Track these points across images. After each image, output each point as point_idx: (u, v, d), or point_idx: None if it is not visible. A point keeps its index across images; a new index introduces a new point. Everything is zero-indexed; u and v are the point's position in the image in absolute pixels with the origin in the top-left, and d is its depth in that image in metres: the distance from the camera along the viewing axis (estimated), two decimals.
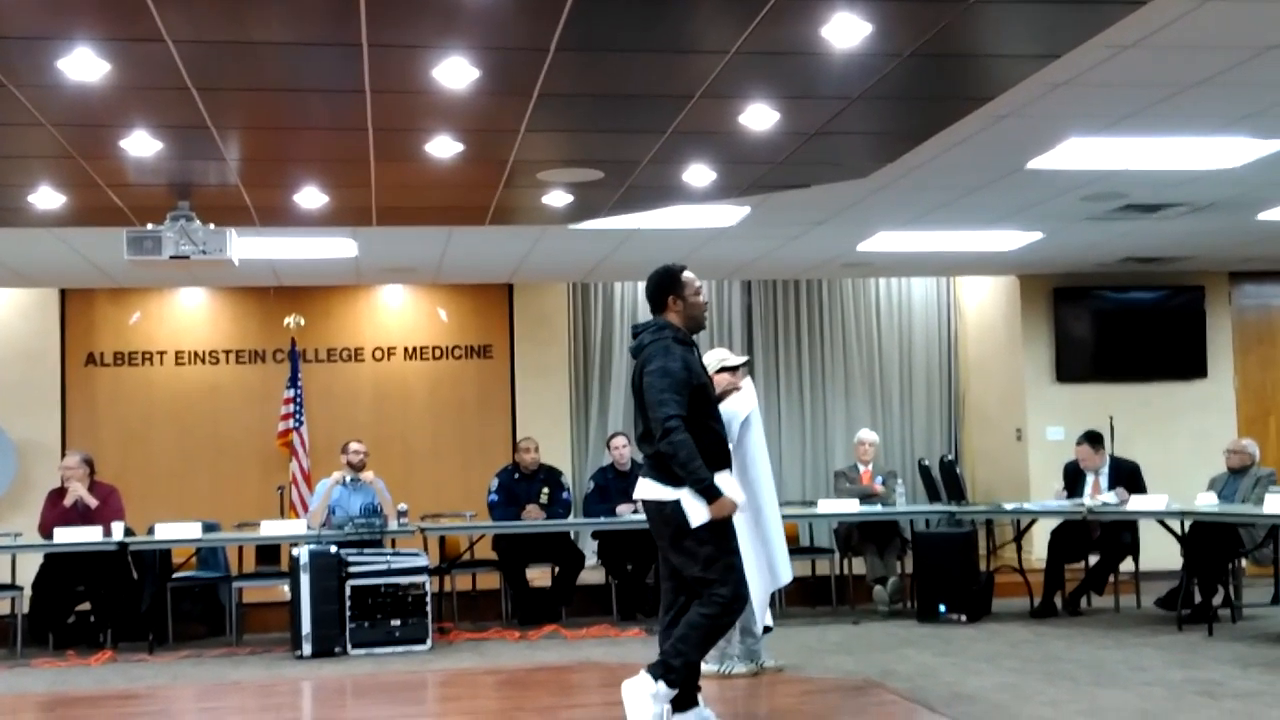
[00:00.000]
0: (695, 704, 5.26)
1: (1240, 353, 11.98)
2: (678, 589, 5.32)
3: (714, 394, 5.46)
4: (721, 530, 5.13)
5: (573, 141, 6.93)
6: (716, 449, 5.22)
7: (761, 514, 6.66)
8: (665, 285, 5.34)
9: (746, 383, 5.72)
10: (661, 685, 5.06)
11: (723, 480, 5.15)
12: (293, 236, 9.07)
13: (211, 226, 7.36)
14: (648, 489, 5.23)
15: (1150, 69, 5.83)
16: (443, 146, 6.72)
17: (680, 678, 5.12)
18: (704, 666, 6.93)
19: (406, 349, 11.87)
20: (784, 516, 10.33)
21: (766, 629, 6.93)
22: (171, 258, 7.31)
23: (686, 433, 5.03)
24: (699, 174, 7.42)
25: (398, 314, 11.91)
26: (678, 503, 5.10)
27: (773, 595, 7.56)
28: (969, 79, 5.96)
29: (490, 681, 7.42)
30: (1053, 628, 8.78)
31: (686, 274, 5.37)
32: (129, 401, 11.52)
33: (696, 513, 5.08)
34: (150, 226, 7.36)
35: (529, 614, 9.41)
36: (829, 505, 9.79)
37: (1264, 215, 9.20)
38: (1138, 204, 8.72)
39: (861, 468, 10.23)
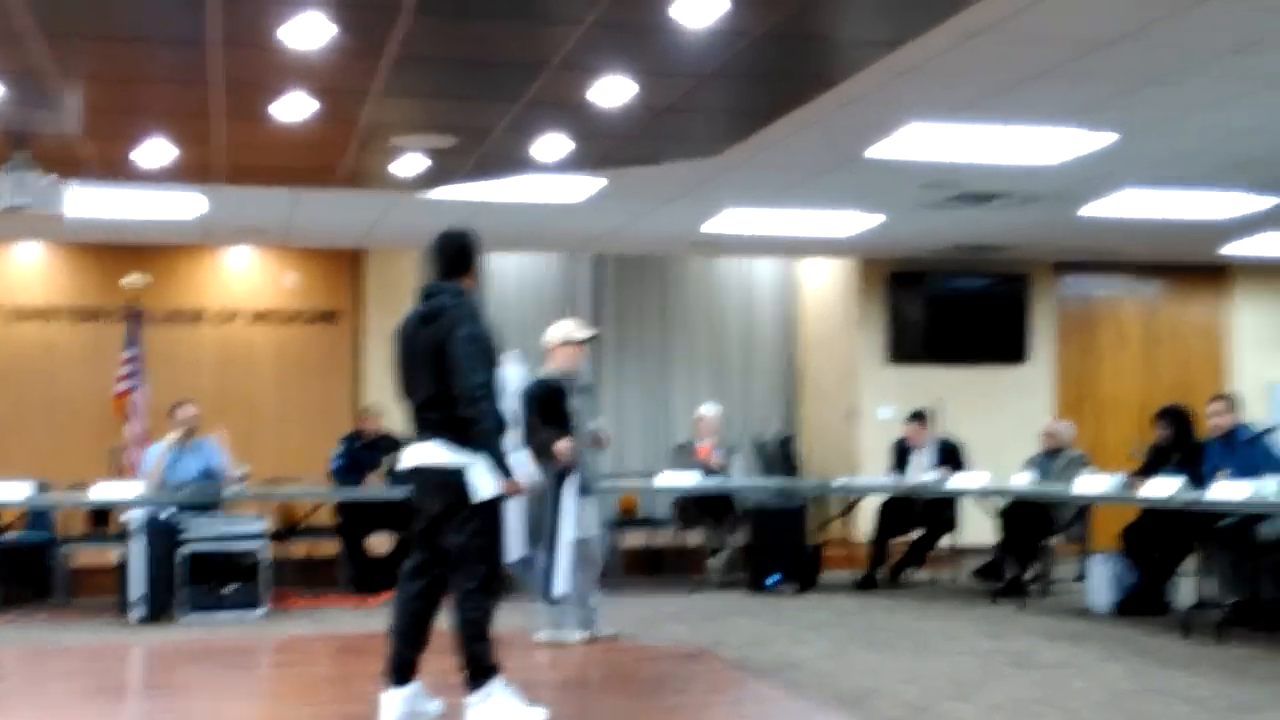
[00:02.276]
0: (409, 681, 5.10)
1: (1061, 340, 12.53)
2: (431, 562, 5.13)
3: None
4: (496, 509, 5.04)
5: (427, 106, 6.91)
6: (498, 425, 5.08)
7: None
8: (471, 249, 5.20)
9: (513, 355, 5.59)
10: (487, 686, 4.98)
11: (519, 459, 5.07)
12: (138, 191, 8.81)
13: (50, 178, 7.14)
14: (431, 454, 5.02)
15: (990, 59, 6.06)
16: (293, 104, 6.62)
17: (490, 664, 5.01)
18: (539, 634, 7.08)
19: (251, 312, 11.65)
20: (624, 488, 10.59)
21: (558, 598, 6.87)
22: (6, 209, 7.08)
23: (493, 402, 4.95)
24: (553, 145, 7.46)
25: (243, 276, 11.67)
26: (463, 469, 4.95)
27: (605, 567, 7.69)
28: (818, 62, 6.13)
29: (325, 648, 7.39)
30: (876, 599, 9.12)
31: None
32: None
33: (486, 485, 4.95)
34: None
35: (368, 581, 9.38)
36: (668, 478, 9.96)
37: (1085, 210, 9.63)
38: (970, 194, 9.06)
39: (701, 442, 10.43)
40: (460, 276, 5.18)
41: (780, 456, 10.24)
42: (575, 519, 6.91)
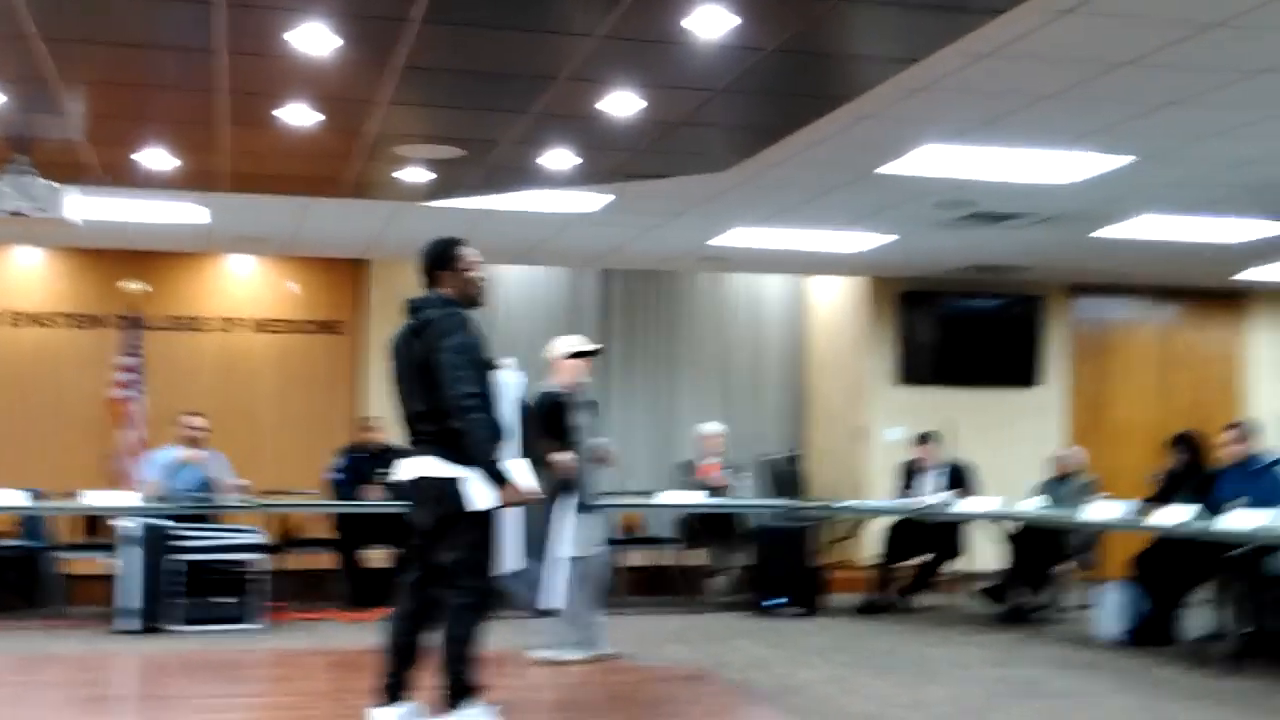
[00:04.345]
0: (401, 699, 5.06)
1: (1075, 363, 12.42)
2: (425, 579, 5.09)
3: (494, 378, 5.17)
4: (490, 523, 4.97)
5: (434, 117, 6.84)
6: (492, 434, 5.02)
7: None
8: (440, 256, 5.14)
9: (511, 363, 5.50)
10: (465, 707, 4.94)
11: (516, 466, 4.97)
12: (142, 199, 8.76)
13: (51, 183, 7.07)
14: (427, 467, 4.97)
15: (1004, 79, 5.98)
16: (300, 114, 6.55)
17: (472, 685, 4.97)
18: (539, 652, 6.98)
19: (253, 320, 11.59)
20: (628, 506, 10.49)
21: (547, 612, 6.77)
22: (6, 213, 7.01)
23: (484, 412, 4.89)
24: (561, 158, 7.38)
25: (245, 284, 11.62)
26: (459, 482, 4.89)
27: (607, 585, 7.59)
28: (830, 78, 6.05)
29: (319, 662, 7.31)
30: (882, 623, 8.99)
31: (466, 248, 5.19)
32: None
33: (483, 496, 4.90)
34: None
35: (364, 595, 9.27)
36: (672, 496, 9.85)
37: (1100, 233, 9.53)
38: (985, 213, 8.96)
39: (706, 460, 10.33)
40: (441, 279, 5.13)
41: (786, 476, 10.14)
42: (574, 535, 6.83)
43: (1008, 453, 11.39)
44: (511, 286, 12.16)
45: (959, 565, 9.84)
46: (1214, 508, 7.61)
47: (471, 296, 5.19)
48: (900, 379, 11.96)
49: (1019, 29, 5.27)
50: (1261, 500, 7.33)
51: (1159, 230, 9.42)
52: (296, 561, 9.66)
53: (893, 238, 9.93)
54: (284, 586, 9.28)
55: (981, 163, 7.49)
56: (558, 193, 8.45)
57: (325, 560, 9.72)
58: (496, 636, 5.21)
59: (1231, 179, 7.94)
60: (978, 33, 5.26)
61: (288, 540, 9.57)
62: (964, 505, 9.30)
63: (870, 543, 10.47)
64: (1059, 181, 7.91)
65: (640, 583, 10.31)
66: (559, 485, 6.80)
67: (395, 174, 7.90)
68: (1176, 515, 7.50)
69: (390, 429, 9.92)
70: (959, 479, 9.75)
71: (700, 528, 10.03)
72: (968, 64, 5.72)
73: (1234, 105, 6.38)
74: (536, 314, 12.12)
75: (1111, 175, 7.70)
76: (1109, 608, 8.25)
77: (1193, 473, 8.27)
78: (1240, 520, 7.08)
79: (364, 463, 9.58)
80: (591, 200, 8.72)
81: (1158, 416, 12.09)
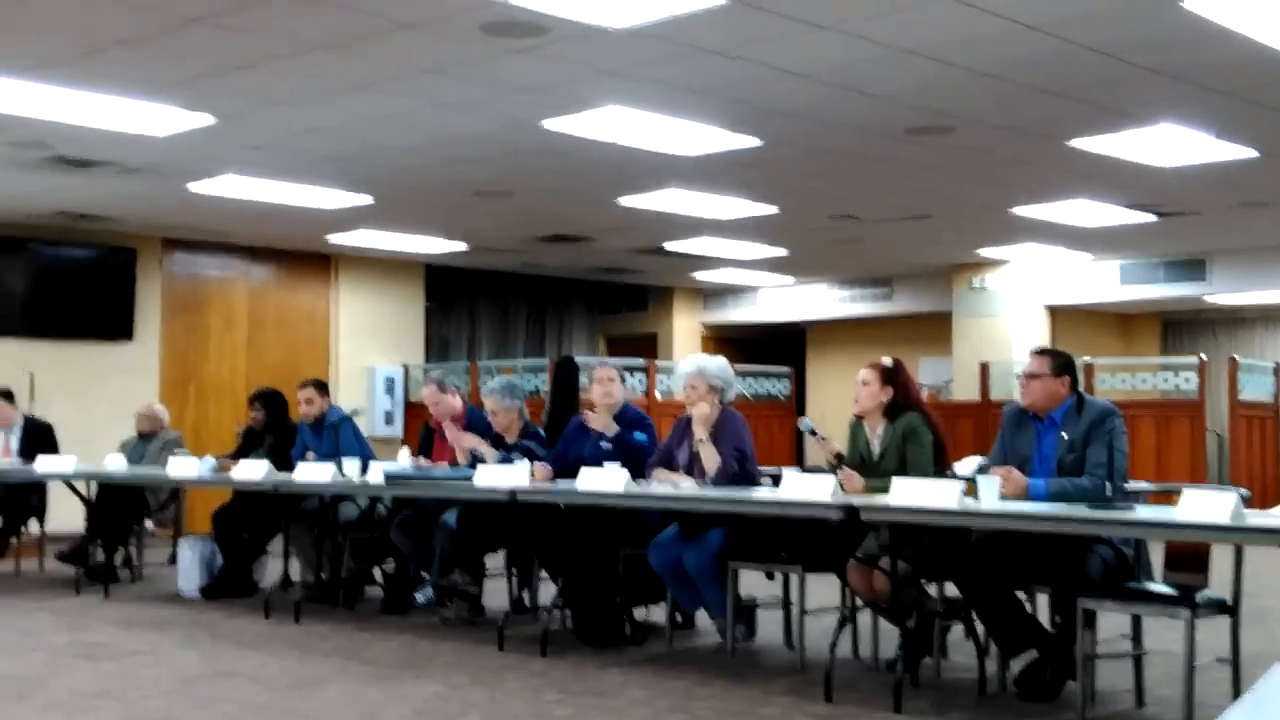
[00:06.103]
0: None
1: (167, 318, 12.27)
2: None
3: None
4: None
5: None
6: None
7: None
8: None
9: None
10: None
11: None
12: None
13: None
14: None
15: (77, 18, 5.65)
16: None
17: None
18: None
19: None
20: None
21: None
22: None
23: None
24: None
25: None
26: None
27: None
28: None
29: None
30: None
31: None
32: None
33: None
34: None
35: None
36: None
37: (193, 188, 9.47)
38: (67, 158, 8.48)
39: None
40: None
41: None
42: None
43: (98, 408, 11.03)
44: None
45: (38, 528, 9.29)
46: (289, 461, 7.90)
47: None
48: None
49: None
50: (332, 454, 7.72)
51: (251, 190, 9.56)
52: None
53: None
54: None
55: (57, 104, 7.04)
56: None
57: None
58: None
59: (306, 149, 8.25)
60: None
61: None
62: (41, 465, 8.76)
63: None
64: (142, 133, 7.70)
65: None
66: None
67: None
68: (251, 470, 7.69)
69: None
70: (38, 437, 9.18)
71: None
72: None
73: (302, 77, 6.59)
74: None
75: (194, 132, 7.64)
76: (188, 563, 8.27)
77: (272, 428, 8.51)
78: (314, 473, 7.40)
79: None
80: None
81: (248, 373, 12.37)
